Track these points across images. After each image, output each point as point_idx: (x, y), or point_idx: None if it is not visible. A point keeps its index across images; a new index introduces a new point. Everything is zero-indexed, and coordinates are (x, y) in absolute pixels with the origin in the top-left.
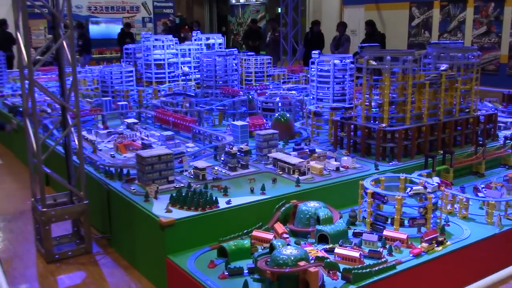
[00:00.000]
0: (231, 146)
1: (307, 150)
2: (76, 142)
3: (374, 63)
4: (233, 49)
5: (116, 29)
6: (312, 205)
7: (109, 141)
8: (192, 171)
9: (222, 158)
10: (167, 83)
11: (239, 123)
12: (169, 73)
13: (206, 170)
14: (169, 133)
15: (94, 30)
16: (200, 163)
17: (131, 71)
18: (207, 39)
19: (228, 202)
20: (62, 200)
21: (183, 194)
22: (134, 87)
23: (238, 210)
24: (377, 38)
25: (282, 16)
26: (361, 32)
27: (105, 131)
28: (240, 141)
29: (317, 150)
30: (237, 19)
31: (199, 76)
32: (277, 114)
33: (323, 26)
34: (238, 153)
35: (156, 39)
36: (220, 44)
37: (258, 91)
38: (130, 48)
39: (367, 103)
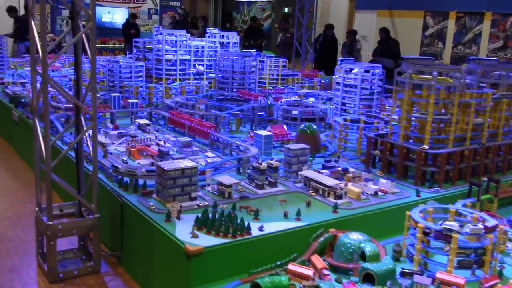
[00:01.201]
0: (259, 161)
1: (340, 168)
2: (90, 149)
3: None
4: (251, 50)
5: (120, 18)
6: (355, 238)
7: (120, 144)
8: (216, 186)
9: (248, 173)
10: (178, 81)
11: (262, 132)
12: (180, 70)
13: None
14: (186, 139)
15: (98, 18)
16: (226, 179)
17: (141, 66)
18: (222, 36)
19: (261, 229)
20: (69, 211)
21: (210, 216)
22: (143, 84)
23: (271, 238)
24: (392, 45)
25: (296, 18)
26: (371, 38)
27: (115, 132)
28: (263, 153)
29: (350, 169)
30: (242, 16)
31: (213, 75)
32: (302, 125)
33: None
34: (267, 169)
35: (169, 34)
36: (234, 43)
37: (273, 96)
38: (140, 41)
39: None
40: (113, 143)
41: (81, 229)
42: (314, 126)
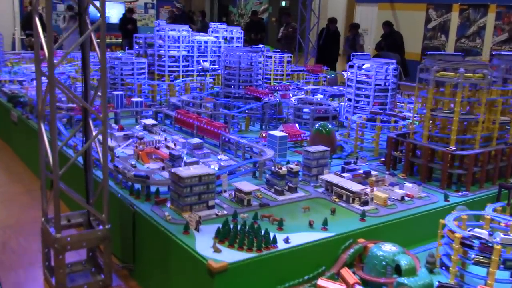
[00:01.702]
0: (278, 165)
1: (362, 172)
2: (100, 154)
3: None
4: (257, 46)
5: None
6: (388, 249)
7: (126, 146)
8: (233, 193)
9: (266, 178)
10: (181, 78)
11: (277, 133)
12: (183, 66)
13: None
14: (196, 140)
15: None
16: (244, 185)
17: (143, 63)
18: (225, 31)
19: (287, 241)
20: (77, 221)
21: (231, 227)
22: (146, 81)
23: (298, 251)
24: (396, 39)
25: (299, 12)
26: (373, 31)
27: (121, 133)
28: (278, 154)
29: (372, 172)
30: (238, 10)
31: (217, 71)
32: (317, 125)
33: (323, 22)
34: (288, 174)
35: (171, 29)
36: (238, 38)
37: (280, 92)
38: (141, 37)
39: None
40: (119, 146)
41: (91, 241)
42: (330, 126)
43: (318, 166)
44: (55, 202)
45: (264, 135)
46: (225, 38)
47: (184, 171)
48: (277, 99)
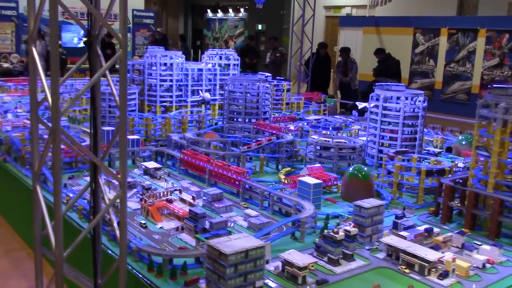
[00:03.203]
0: (335, 229)
1: (423, 230)
2: (115, 225)
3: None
4: (264, 74)
5: None
6: None
7: (129, 198)
8: (281, 265)
9: (316, 244)
10: (174, 109)
11: (309, 179)
12: (176, 96)
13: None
14: (215, 190)
15: (67, 37)
16: (297, 257)
17: (134, 93)
18: (221, 57)
19: None
20: None
21: None
22: (136, 113)
23: None
24: (390, 65)
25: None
26: (358, 55)
27: None
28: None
29: (435, 229)
30: (213, 33)
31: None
32: (351, 168)
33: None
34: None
35: (163, 55)
36: (235, 65)
37: (284, 125)
38: (128, 64)
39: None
40: None
41: None
42: (366, 169)
43: (372, 225)
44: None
45: (287, 180)
46: (220, 65)
47: (226, 244)
48: (291, 136)
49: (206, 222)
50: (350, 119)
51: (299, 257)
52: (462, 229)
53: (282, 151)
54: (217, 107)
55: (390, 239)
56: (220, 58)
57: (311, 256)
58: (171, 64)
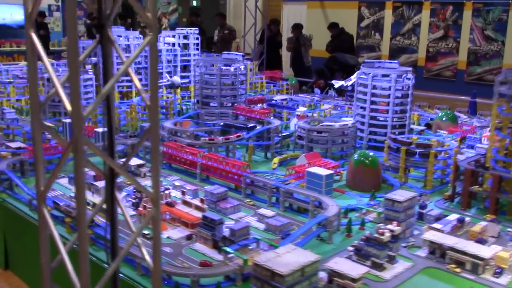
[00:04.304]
0: (380, 229)
1: (456, 220)
2: (145, 255)
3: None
4: (239, 54)
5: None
6: None
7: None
8: (326, 277)
9: (356, 246)
10: (135, 95)
11: (320, 170)
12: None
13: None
14: (219, 189)
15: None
16: (346, 266)
17: (91, 79)
18: (182, 36)
19: None
20: None
21: None
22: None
23: None
24: (344, 39)
25: (245, 11)
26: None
27: (103, 183)
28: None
29: (466, 219)
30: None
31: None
32: (357, 154)
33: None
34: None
35: (118, 35)
36: (197, 44)
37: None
38: (80, 46)
39: None
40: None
41: None
42: (371, 154)
43: (406, 219)
44: None
45: (291, 170)
46: (184, 45)
47: (277, 262)
48: (277, 121)
49: (224, 228)
50: (315, 98)
51: (348, 266)
52: (487, 215)
53: (272, 138)
54: (179, 91)
55: (433, 236)
56: (182, 37)
57: (360, 264)
58: (128, 46)
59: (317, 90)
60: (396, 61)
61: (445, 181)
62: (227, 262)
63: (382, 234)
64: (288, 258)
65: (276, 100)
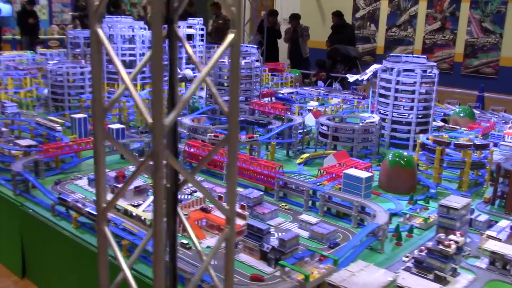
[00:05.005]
0: (441, 239)
1: (508, 226)
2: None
3: None
4: (253, 46)
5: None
6: None
7: (149, 206)
8: None
9: (416, 259)
10: (141, 87)
11: (358, 172)
12: (141, 73)
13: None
14: (253, 192)
15: None
16: (414, 281)
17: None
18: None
19: None
20: None
21: None
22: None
23: None
24: (348, 33)
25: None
26: None
27: (132, 187)
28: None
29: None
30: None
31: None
32: (390, 156)
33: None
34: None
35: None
36: (202, 35)
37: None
38: (79, 36)
39: None
40: (134, 204)
41: None
42: (406, 154)
43: (461, 227)
44: None
45: (323, 171)
46: (188, 36)
47: (355, 282)
48: (300, 118)
49: (270, 238)
50: (321, 91)
51: (416, 282)
52: None
53: (295, 135)
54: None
55: (496, 247)
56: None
57: (422, 277)
58: (133, 36)
59: (320, 83)
60: (424, 56)
61: (479, 182)
62: (285, 278)
63: (449, 246)
64: (364, 278)
65: (283, 94)
